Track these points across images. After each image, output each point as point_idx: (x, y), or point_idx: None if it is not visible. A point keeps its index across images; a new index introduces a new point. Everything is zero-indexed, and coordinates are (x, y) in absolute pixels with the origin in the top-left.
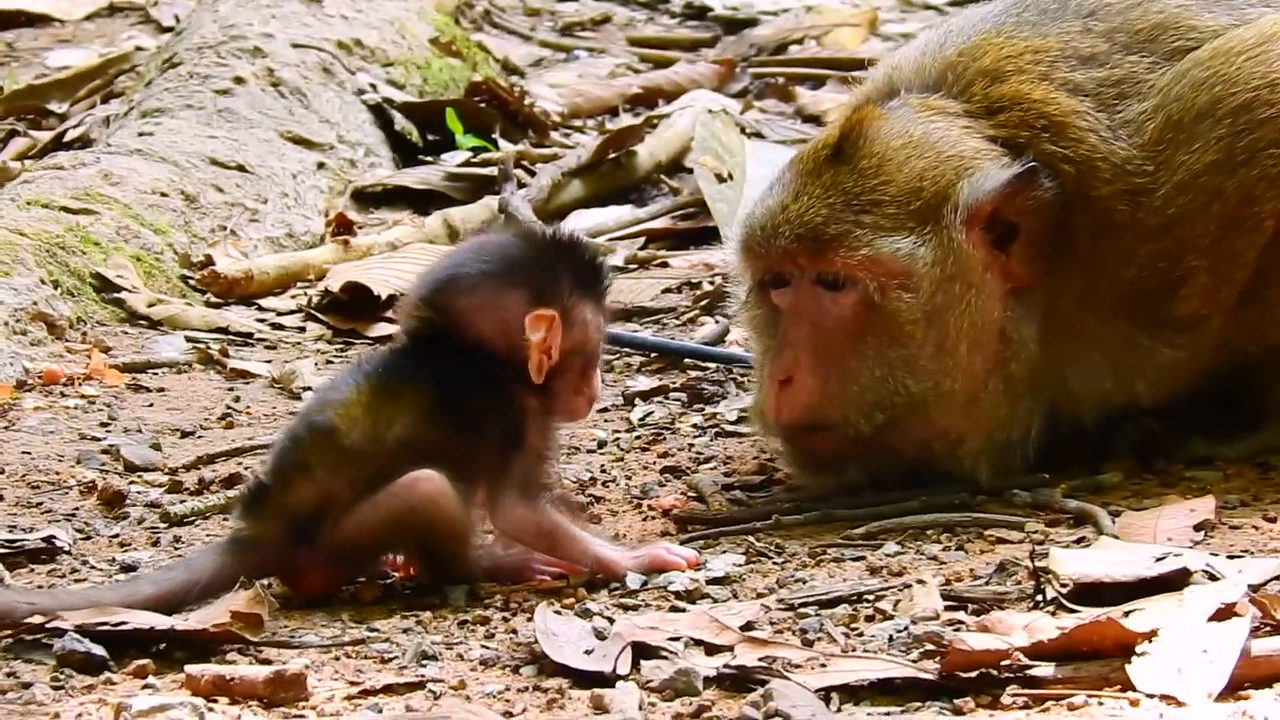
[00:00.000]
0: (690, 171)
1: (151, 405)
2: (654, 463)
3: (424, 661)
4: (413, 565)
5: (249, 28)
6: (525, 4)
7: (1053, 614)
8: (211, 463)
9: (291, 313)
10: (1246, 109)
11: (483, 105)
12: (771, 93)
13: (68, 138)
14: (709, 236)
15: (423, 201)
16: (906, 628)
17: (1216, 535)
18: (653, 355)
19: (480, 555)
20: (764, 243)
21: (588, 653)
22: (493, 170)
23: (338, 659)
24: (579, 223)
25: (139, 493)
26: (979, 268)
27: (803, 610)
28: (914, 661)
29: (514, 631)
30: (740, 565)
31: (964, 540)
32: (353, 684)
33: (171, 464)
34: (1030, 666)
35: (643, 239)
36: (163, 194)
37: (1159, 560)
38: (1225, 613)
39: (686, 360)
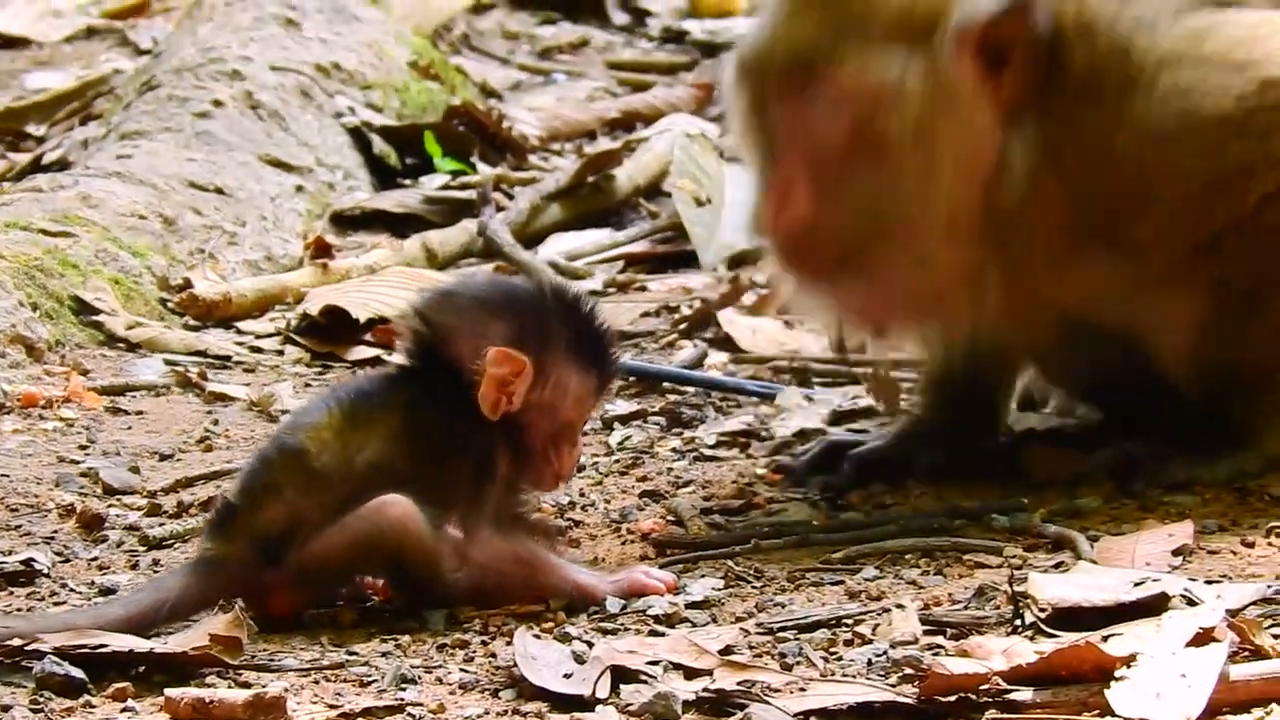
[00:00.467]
0: (668, 195)
1: (130, 428)
2: (633, 487)
3: (403, 685)
4: (388, 588)
5: (227, 50)
6: (503, 28)
7: (1031, 639)
8: (190, 486)
9: (270, 336)
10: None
11: (461, 128)
12: None
13: (46, 160)
14: (687, 260)
15: (401, 225)
16: (885, 652)
17: (1195, 560)
18: (631, 379)
19: (457, 577)
20: (758, 66)
21: (567, 676)
22: (471, 194)
23: (317, 682)
24: (557, 246)
25: (118, 515)
26: (969, 92)
27: (781, 634)
28: (893, 686)
29: (493, 655)
30: (719, 589)
31: (942, 565)
32: (332, 707)
33: (150, 487)
34: (1009, 691)
35: (621, 262)
36: (141, 216)
37: (1137, 585)
38: (1204, 638)
39: (665, 384)
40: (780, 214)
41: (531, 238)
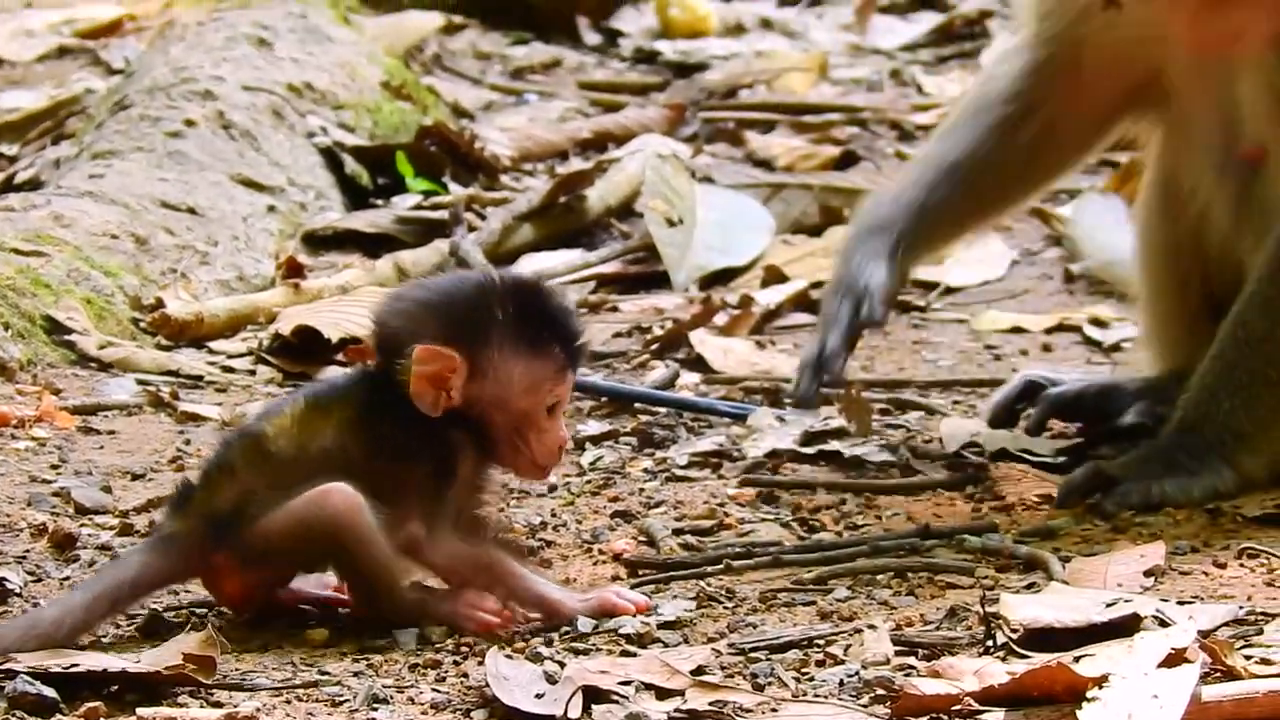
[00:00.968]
0: (640, 215)
1: (102, 448)
2: (604, 507)
3: (375, 705)
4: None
5: (200, 70)
6: (475, 48)
7: (1003, 659)
8: (162, 505)
9: (242, 355)
10: None
11: (433, 149)
12: (722, 137)
13: (18, 179)
14: (659, 281)
15: (373, 245)
16: (857, 672)
17: (1167, 581)
18: (603, 400)
19: (416, 594)
20: None
21: (539, 696)
22: (444, 214)
23: (289, 702)
24: (529, 266)
25: (90, 535)
26: None
27: (753, 655)
28: (865, 706)
29: (465, 675)
30: (691, 610)
31: (914, 585)
32: None
33: (122, 506)
34: (981, 712)
35: (593, 283)
36: (113, 236)
37: (1109, 606)
38: (1176, 658)
39: (637, 405)
40: None
41: (504, 258)
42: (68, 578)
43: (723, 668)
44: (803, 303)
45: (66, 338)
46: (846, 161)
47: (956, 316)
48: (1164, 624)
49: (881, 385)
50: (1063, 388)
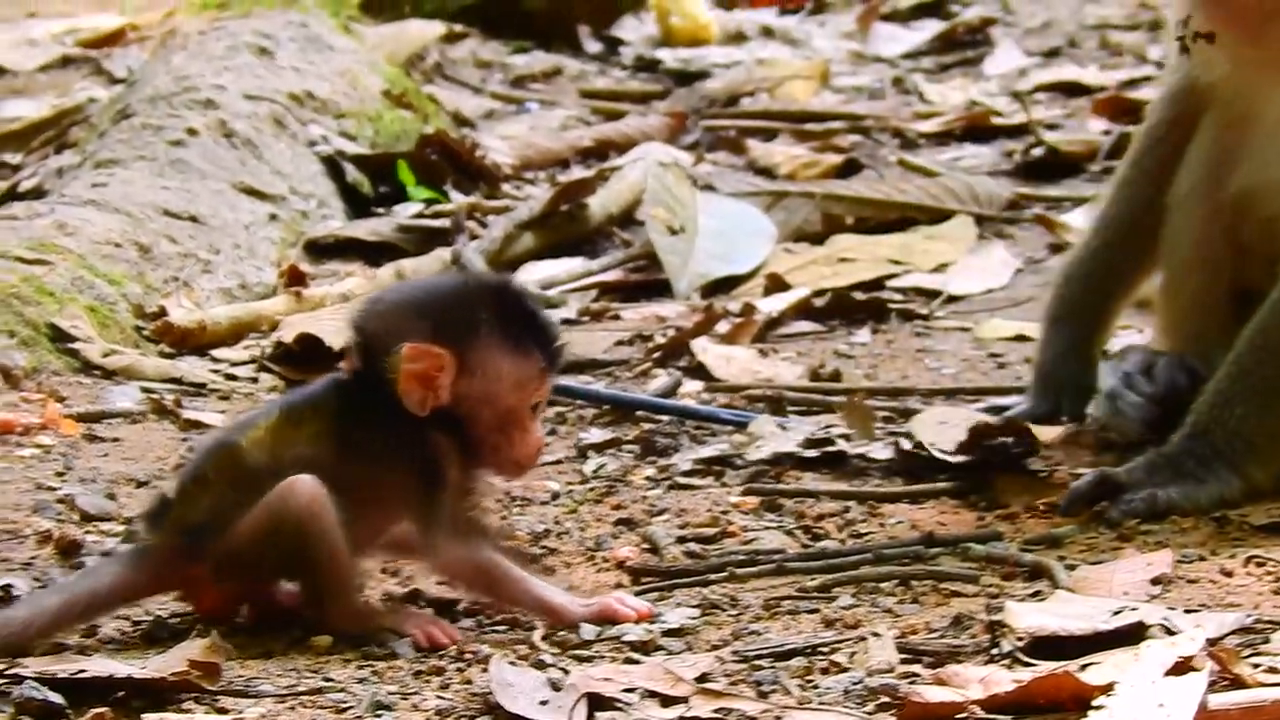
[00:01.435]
0: (642, 224)
1: (106, 455)
2: (607, 515)
3: (379, 711)
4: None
5: (201, 79)
6: (476, 56)
7: (1009, 667)
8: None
9: (244, 363)
10: None
11: (434, 157)
12: (723, 145)
13: (22, 188)
14: (661, 289)
15: (375, 253)
16: (862, 680)
17: (1173, 589)
18: (605, 408)
19: (366, 603)
20: None
21: (543, 704)
22: (445, 222)
23: (293, 708)
24: (531, 274)
25: (94, 542)
26: None
27: (757, 662)
28: (869, 714)
29: (469, 682)
30: (695, 617)
31: (919, 593)
32: None
33: (127, 514)
34: None
35: (595, 291)
36: (116, 244)
37: (1115, 614)
38: (1182, 667)
39: (639, 413)
40: None
41: (505, 266)
42: None
43: (727, 675)
44: (805, 311)
45: (70, 346)
46: (849, 169)
47: (960, 325)
48: (1171, 632)
49: (885, 393)
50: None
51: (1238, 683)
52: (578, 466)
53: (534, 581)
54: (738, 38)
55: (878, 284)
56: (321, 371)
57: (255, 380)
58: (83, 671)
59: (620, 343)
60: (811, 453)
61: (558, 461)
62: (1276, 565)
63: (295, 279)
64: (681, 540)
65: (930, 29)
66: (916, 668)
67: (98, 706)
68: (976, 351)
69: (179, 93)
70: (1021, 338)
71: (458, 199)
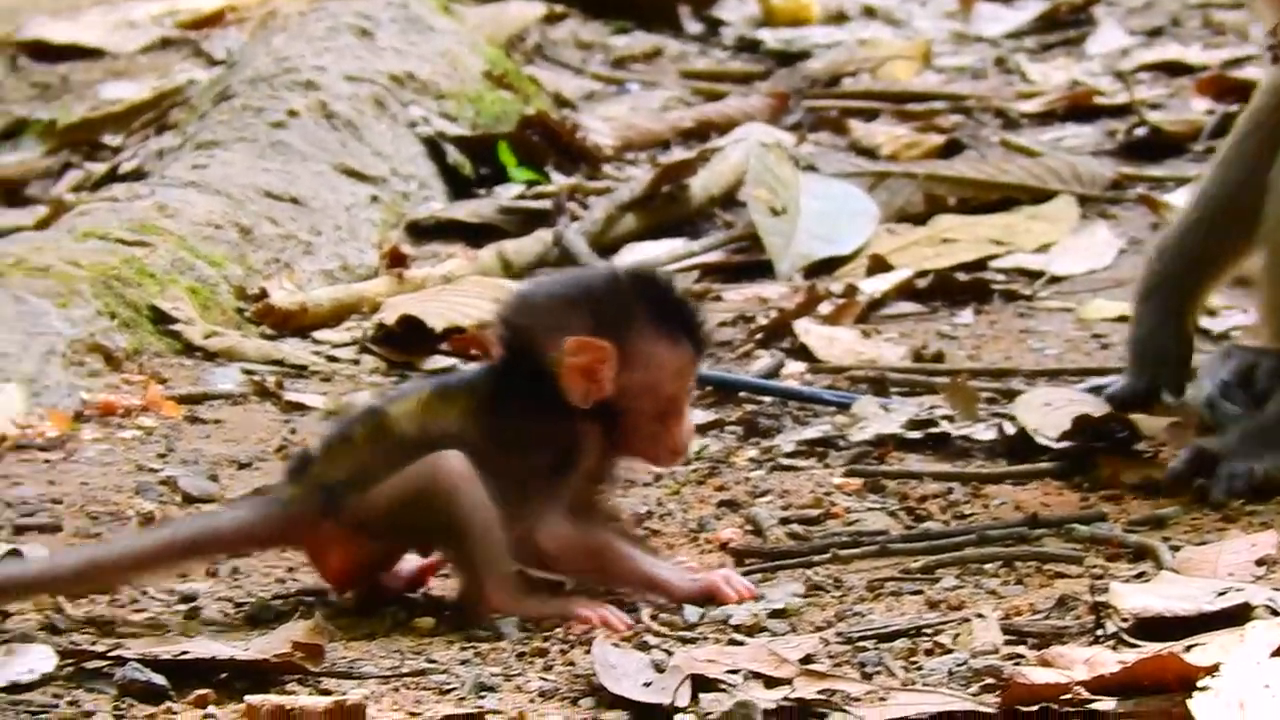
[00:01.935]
0: (744, 205)
1: (208, 437)
2: (710, 496)
3: (483, 693)
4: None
5: (302, 60)
6: (577, 37)
7: (1113, 648)
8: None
9: (346, 345)
10: None
11: (535, 138)
12: (825, 125)
13: (122, 170)
14: (763, 270)
15: (476, 235)
16: (966, 661)
17: (1278, 570)
18: (708, 389)
19: (522, 584)
20: None
21: (646, 685)
22: (546, 203)
23: (397, 690)
24: (632, 256)
25: None
26: None
27: (861, 643)
28: (974, 695)
29: (572, 663)
30: (798, 598)
31: (1023, 574)
32: (412, 715)
33: (229, 495)
34: (1091, 701)
35: (697, 272)
36: (217, 226)
37: (1220, 595)
38: None
39: (742, 394)
40: None
41: (606, 247)
42: None
43: (831, 656)
44: (908, 292)
45: (172, 327)
46: (951, 150)
47: (1063, 305)
48: (1276, 613)
49: (988, 374)
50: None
51: None
52: None
53: (642, 558)
54: (839, 18)
55: (980, 264)
56: (423, 353)
57: (357, 362)
58: (185, 653)
59: (722, 324)
60: (915, 434)
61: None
62: None
63: (397, 260)
64: (785, 522)
65: (1033, 8)
66: (1021, 649)
67: (200, 688)
68: (1080, 332)
69: (279, 74)
70: (1125, 318)
71: (559, 180)
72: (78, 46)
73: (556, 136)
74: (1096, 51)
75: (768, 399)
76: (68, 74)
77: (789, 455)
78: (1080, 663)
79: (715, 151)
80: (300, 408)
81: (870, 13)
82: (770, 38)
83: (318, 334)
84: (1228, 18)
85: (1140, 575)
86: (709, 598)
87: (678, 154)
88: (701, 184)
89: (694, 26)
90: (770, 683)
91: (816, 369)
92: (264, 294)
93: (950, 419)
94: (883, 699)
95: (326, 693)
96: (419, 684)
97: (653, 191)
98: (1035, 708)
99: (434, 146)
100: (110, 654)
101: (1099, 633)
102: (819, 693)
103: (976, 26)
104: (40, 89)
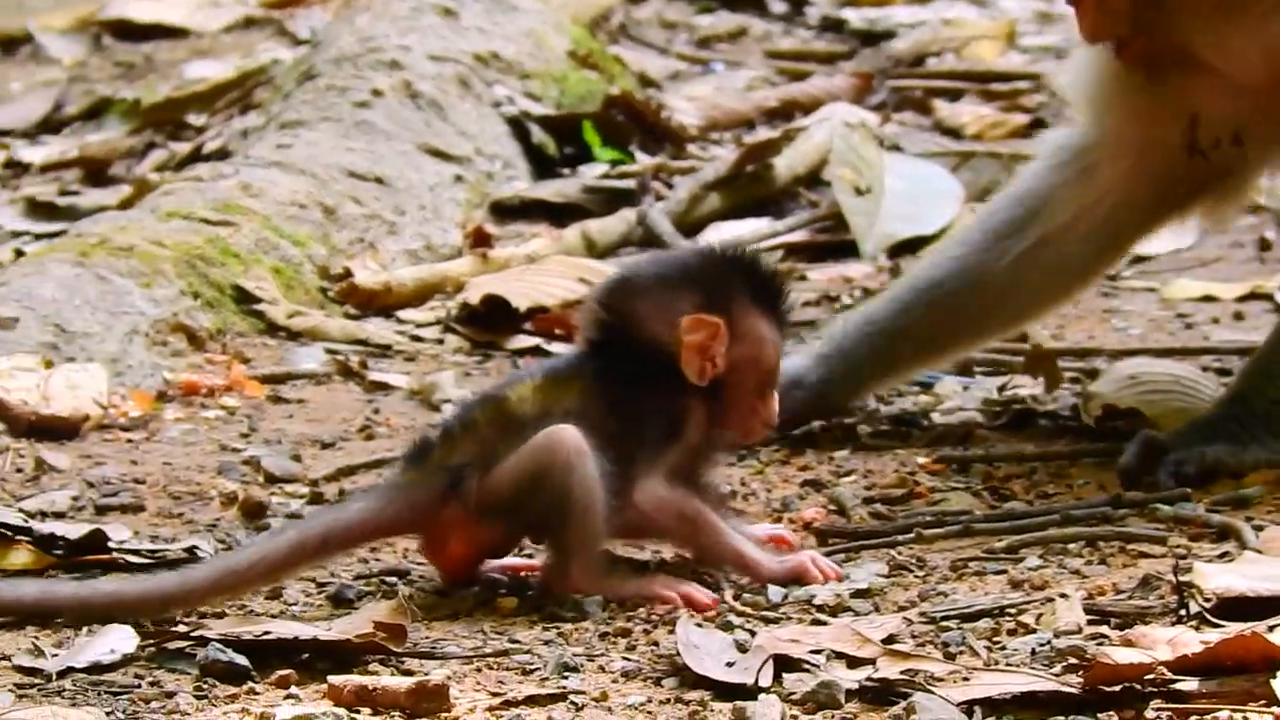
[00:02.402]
0: (828, 184)
1: (291, 416)
2: (794, 476)
3: (565, 673)
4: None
5: (386, 40)
6: (661, 17)
7: (1196, 628)
8: (352, 474)
9: (430, 324)
10: None
11: (620, 118)
12: (909, 105)
13: (206, 150)
14: (847, 249)
15: (560, 214)
16: (1049, 641)
17: None
18: None
19: (609, 565)
20: None
21: (729, 665)
22: (630, 183)
23: (479, 670)
24: (717, 235)
25: (280, 504)
26: None
27: (944, 623)
28: (1057, 675)
29: (655, 643)
30: (881, 578)
31: (1106, 554)
32: (495, 695)
33: (312, 475)
34: (1174, 681)
35: (781, 252)
36: (301, 206)
37: None
38: None
39: None
40: None
41: (691, 227)
42: None
43: (914, 636)
44: None
45: (255, 307)
46: (1035, 129)
47: (1147, 285)
48: None
49: (1072, 353)
50: None
51: None
52: None
53: (733, 534)
54: None
55: None
56: (508, 333)
57: (441, 341)
58: (268, 633)
59: (807, 304)
60: (998, 413)
61: None
62: None
63: (481, 240)
64: (868, 501)
65: None
66: (1104, 629)
67: (282, 668)
68: (1163, 312)
69: (363, 54)
70: (1208, 298)
71: (643, 160)
72: (162, 25)
73: (641, 116)
74: None
75: None
76: (152, 53)
77: (873, 435)
78: (1163, 643)
79: (800, 131)
80: (383, 387)
81: None
82: (855, 17)
83: (401, 314)
84: None
85: (1224, 555)
86: (796, 579)
87: (762, 134)
88: (786, 164)
89: (779, 6)
90: (853, 663)
91: None
92: (348, 273)
93: (1034, 398)
94: (966, 679)
95: (409, 673)
96: (502, 664)
97: (737, 171)
98: (1118, 688)
99: (518, 126)
100: (192, 634)
101: (1182, 613)
102: (902, 673)
103: (1061, 6)
104: (124, 68)
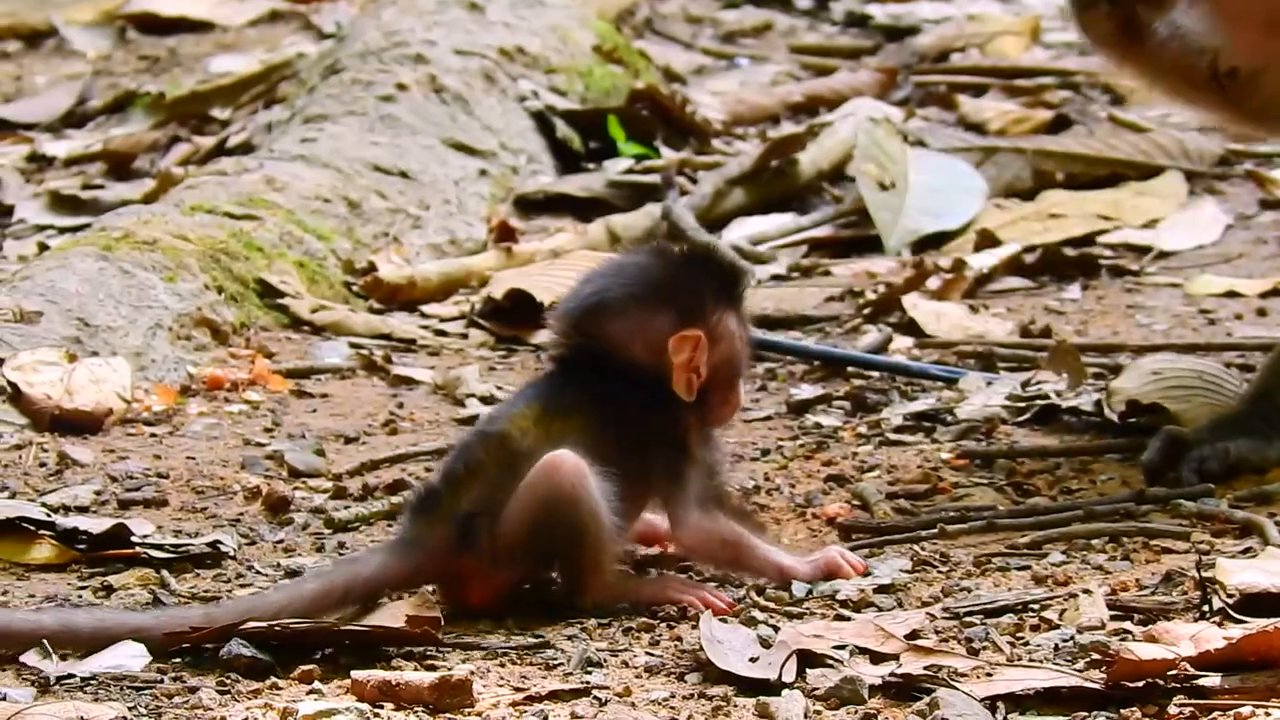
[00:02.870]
0: (852, 180)
1: (315, 411)
2: (817, 471)
3: (589, 668)
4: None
5: (411, 34)
6: (686, 11)
7: (1219, 624)
8: (375, 469)
9: (454, 319)
10: None
11: (645, 113)
12: (933, 101)
13: (230, 143)
14: (871, 245)
15: (585, 209)
16: (1072, 637)
17: None
18: (815, 364)
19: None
20: None
21: (753, 660)
22: (655, 178)
23: (503, 665)
24: (741, 230)
25: (303, 498)
26: None
27: (968, 619)
28: (1080, 671)
29: (679, 639)
30: (905, 573)
31: (1129, 550)
32: (518, 690)
33: (335, 470)
34: (1197, 677)
35: (805, 247)
36: (326, 200)
37: None
38: None
39: (849, 369)
40: None
41: (715, 222)
42: (281, 540)
43: (937, 632)
44: (1015, 267)
45: (279, 301)
46: (1059, 125)
47: (1170, 281)
48: None
49: (1095, 349)
50: None
51: None
52: (788, 422)
53: (765, 546)
54: None
55: (1088, 240)
56: (532, 327)
57: (465, 336)
58: (290, 627)
59: (831, 299)
60: (1022, 408)
61: (768, 418)
62: None
63: (505, 234)
64: (892, 497)
65: None
66: (1127, 625)
67: (305, 663)
68: (1187, 308)
69: (389, 48)
70: (1232, 294)
71: (668, 155)
72: (186, 19)
73: (666, 111)
74: None
75: (875, 374)
76: (176, 47)
77: (897, 430)
78: (1186, 639)
79: (824, 126)
80: (407, 382)
81: None
82: (879, 13)
83: (425, 308)
84: None
85: (1247, 551)
86: (828, 575)
87: (787, 129)
88: (810, 159)
89: (804, 1)
90: (876, 658)
91: (924, 344)
92: (372, 268)
93: (1058, 393)
94: (989, 674)
95: (432, 668)
96: (526, 659)
97: (762, 166)
98: (1141, 684)
99: (543, 120)
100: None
101: (1205, 609)
102: (925, 668)
103: None
104: (149, 62)
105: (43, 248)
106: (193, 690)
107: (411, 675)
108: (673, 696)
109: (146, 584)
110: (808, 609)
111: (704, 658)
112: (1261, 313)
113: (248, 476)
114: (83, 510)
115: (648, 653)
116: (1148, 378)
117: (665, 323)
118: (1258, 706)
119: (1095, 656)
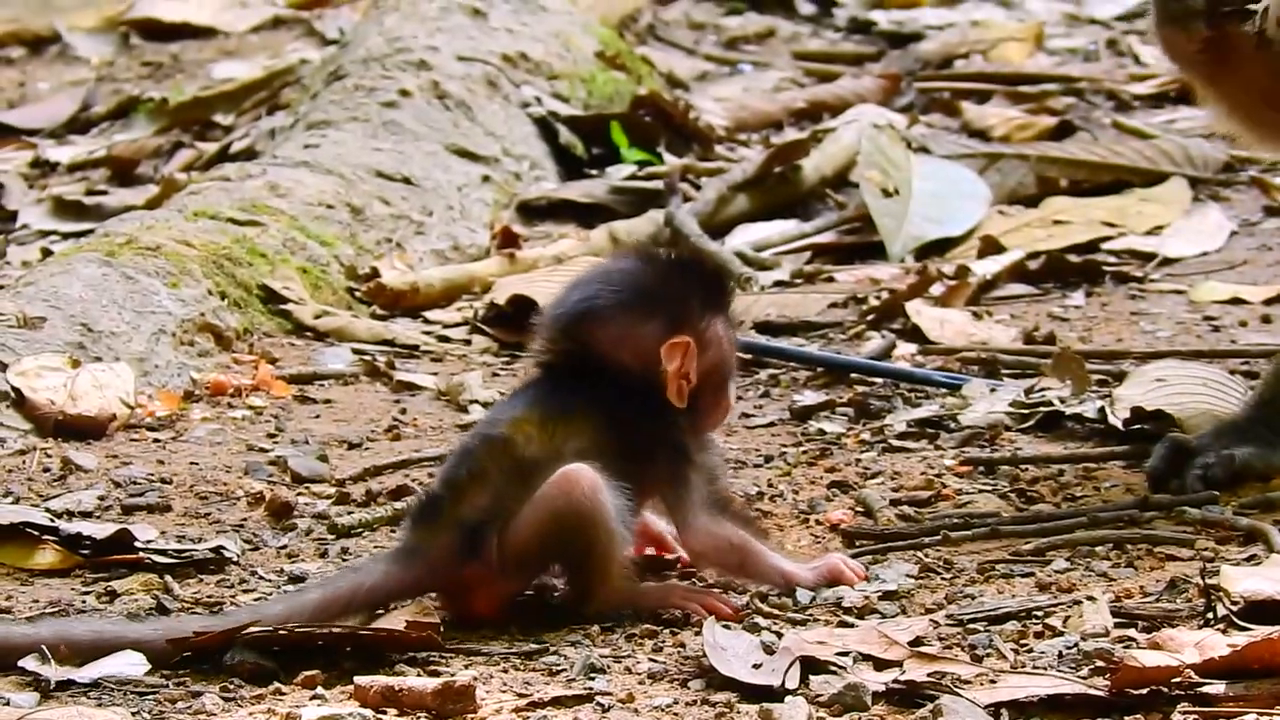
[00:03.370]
0: (856, 186)
1: (318, 417)
2: (821, 477)
3: (592, 674)
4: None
5: (414, 40)
6: (689, 18)
7: (1224, 631)
8: (378, 474)
9: (457, 325)
10: None
11: (647, 119)
12: (937, 107)
13: (233, 150)
14: (875, 251)
15: (588, 215)
16: (1076, 644)
17: None
18: (819, 370)
19: (629, 587)
20: None
21: (756, 667)
22: (658, 184)
23: (506, 671)
24: (744, 237)
25: (306, 504)
26: None
27: (972, 626)
28: (1084, 678)
29: (682, 645)
30: (909, 580)
31: (1133, 557)
32: (521, 696)
33: (339, 475)
34: (1201, 684)
35: (808, 253)
36: (329, 206)
37: None
38: None
39: (853, 375)
40: None
41: (718, 228)
42: (284, 546)
43: (941, 639)
44: (1019, 273)
45: (282, 307)
46: (1063, 132)
47: (1175, 287)
48: None
49: (1099, 356)
50: None
51: None
52: (791, 429)
53: (770, 553)
54: (951, 0)
55: (1092, 246)
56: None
57: (468, 342)
58: (293, 633)
59: (834, 305)
60: (1026, 415)
61: (771, 424)
62: None
63: (508, 241)
64: (895, 503)
65: None
66: (1131, 632)
67: (308, 669)
68: (1191, 314)
69: (391, 54)
70: (1237, 300)
71: (671, 161)
72: (189, 25)
73: (669, 117)
74: None
75: (879, 380)
76: (179, 53)
77: (900, 437)
78: (1190, 646)
79: (827, 133)
80: (411, 388)
81: None
82: (883, 19)
83: (429, 314)
84: None
85: (1251, 558)
86: (833, 581)
87: (790, 135)
88: (813, 165)
89: (807, 7)
90: (880, 665)
91: (928, 350)
92: (375, 274)
93: (1062, 400)
94: (993, 681)
95: (435, 674)
96: (529, 665)
97: (765, 172)
98: (1145, 691)
99: (546, 127)
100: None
101: (1209, 616)
102: (929, 675)
103: (1089, 8)
104: (152, 68)
105: (46, 253)
106: (196, 696)
107: (414, 681)
108: (676, 703)
109: (150, 589)
110: (811, 615)
111: (707, 664)
112: (1266, 319)
113: (251, 482)
114: (86, 516)
115: (651, 659)
116: (1152, 385)
117: (654, 330)
118: (1262, 714)
119: (1099, 664)
